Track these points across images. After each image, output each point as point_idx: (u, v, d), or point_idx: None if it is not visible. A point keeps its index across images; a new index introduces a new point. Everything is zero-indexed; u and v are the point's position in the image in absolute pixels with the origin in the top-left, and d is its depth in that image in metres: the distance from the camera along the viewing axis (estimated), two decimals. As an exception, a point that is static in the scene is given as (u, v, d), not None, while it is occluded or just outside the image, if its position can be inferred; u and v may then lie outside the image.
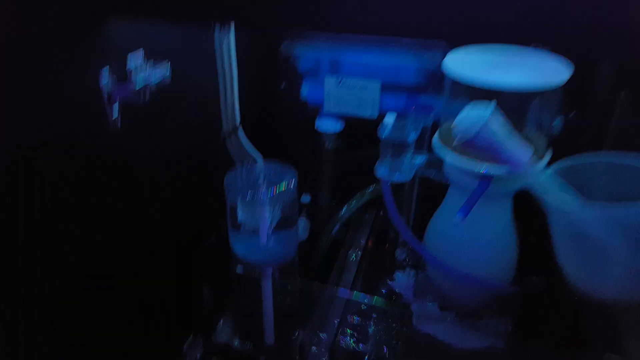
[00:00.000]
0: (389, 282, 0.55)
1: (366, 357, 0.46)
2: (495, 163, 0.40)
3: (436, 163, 0.49)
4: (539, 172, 0.38)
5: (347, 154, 0.63)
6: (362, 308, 0.49)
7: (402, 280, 0.56)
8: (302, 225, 0.67)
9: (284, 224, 0.47)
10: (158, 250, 0.49)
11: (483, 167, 0.41)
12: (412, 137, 0.44)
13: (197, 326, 0.55)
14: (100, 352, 0.44)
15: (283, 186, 0.45)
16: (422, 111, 0.46)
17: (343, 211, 0.58)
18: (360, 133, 0.60)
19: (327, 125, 0.58)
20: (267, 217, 0.44)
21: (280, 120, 0.71)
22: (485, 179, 0.43)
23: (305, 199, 0.71)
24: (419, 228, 0.52)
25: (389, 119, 0.44)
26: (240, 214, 0.45)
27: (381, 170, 0.46)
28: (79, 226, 0.39)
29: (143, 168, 0.45)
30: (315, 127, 0.60)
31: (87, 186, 0.40)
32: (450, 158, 0.43)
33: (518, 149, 0.38)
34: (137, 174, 0.45)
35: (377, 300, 0.49)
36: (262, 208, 0.44)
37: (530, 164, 0.38)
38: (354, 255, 0.60)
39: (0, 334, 0.34)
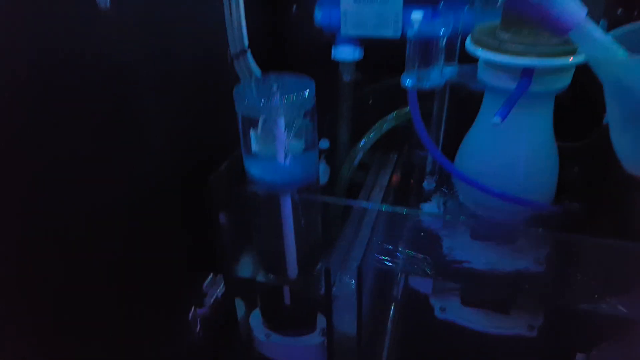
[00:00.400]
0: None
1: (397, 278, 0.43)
2: (542, 26, 0.35)
3: (468, 74, 0.45)
4: (593, 38, 0.33)
5: (368, 88, 0.59)
6: (391, 227, 0.45)
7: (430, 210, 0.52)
8: (322, 169, 0.63)
9: (302, 139, 0.43)
10: (164, 186, 0.45)
11: (524, 60, 0.38)
12: (444, 34, 0.40)
13: (217, 265, 0.52)
14: (112, 299, 0.40)
15: (299, 94, 0.41)
16: (454, 5, 0.43)
17: (365, 140, 0.54)
18: (381, 63, 0.56)
19: (345, 53, 0.55)
20: (284, 127, 0.40)
21: (292, 51, 0.67)
22: (527, 75, 0.39)
23: (324, 144, 0.67)
24: (450, 151, 0.48)
25: (417, 15, 0.41)
26: (254, 130, 0.42)
27: (407, 78, 0.43)
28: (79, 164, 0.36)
29: (143, 88, 0.42)
30: (332, 57, 0.56)
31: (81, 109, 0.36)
32: (487, 55, 0.40)
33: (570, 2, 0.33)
34: (138, 95, 0.41)
35: (408, 211, 0.45)
36: (277, 116, 0.40)
37: (584, 24, 0.33)
38: (377, 192, 0.56)
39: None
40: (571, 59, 0.38)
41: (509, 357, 0.50)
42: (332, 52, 0.56)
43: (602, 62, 0.33)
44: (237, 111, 0.42)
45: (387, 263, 0.45)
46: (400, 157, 0.61)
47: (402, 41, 0.48)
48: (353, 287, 0.46)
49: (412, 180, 0.56)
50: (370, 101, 0.62)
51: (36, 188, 0.32)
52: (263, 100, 0.40)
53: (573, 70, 0.41)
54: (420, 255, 0.46)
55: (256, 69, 0.54)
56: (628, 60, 0.31)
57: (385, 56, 0.53)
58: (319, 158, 0.60)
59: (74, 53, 0.33)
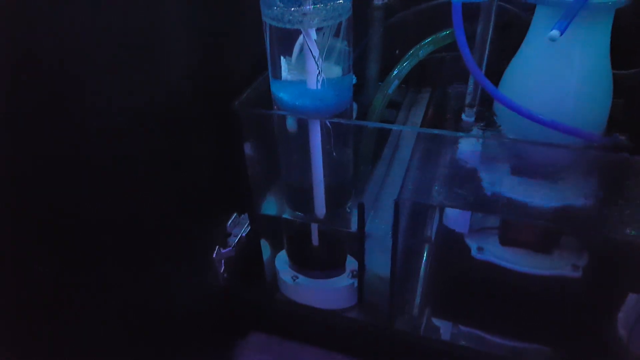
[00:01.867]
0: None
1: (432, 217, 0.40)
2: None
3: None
4: None
5: (401, 13, 0.55)
6: (428, 160, 0.42)
7: (466, 147, 0.48)
8: (349, 106, 0.60)
9: (338, 62, 0.40)
10: (184, 113, 0.41)
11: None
12: None
13: (241, 203, 0.50)
14: (129, 241, 0.38)
15: (334, 2, 0.37)
16: None
17: (399, 68, 0.50)
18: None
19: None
20: (315, 38, 0.37)
21: None
22: (589, -19, 0.35)
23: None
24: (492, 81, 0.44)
25: None
26: (280, 42, 0.38)
27: (452, -11, 0.38)
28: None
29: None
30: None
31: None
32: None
33: None
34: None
35: (448, 132, 0.41)
36: (309, 24, 0.36)
37: None
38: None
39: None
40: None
41: (551, 299, 0.48)
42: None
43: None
44: (264, 21, 0.39)
45: (425, 198, 0.42)
46: (434, 92, 0.57)
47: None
48: (388, 225, 0.44)
49: (448, 115, 0.52)
50: (402, 33, 0.57)
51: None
52: (294, 6, 0.36)
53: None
54: (460, 189, 0.43)
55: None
56: None
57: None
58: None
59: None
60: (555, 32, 0.35)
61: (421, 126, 0.53)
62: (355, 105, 0.61)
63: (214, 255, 0.49)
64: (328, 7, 0.37)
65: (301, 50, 0.40)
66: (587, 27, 0.38)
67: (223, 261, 0.51)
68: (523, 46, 0.43)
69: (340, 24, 0.39)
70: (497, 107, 0.46)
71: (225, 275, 0.51)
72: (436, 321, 0.54)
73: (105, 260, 0.35)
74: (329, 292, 0.53)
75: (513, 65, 0.44)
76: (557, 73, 0.41)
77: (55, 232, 0.31)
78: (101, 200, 0.34)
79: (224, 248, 0.50)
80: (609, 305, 0.47)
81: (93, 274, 0.35)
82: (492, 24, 0.44)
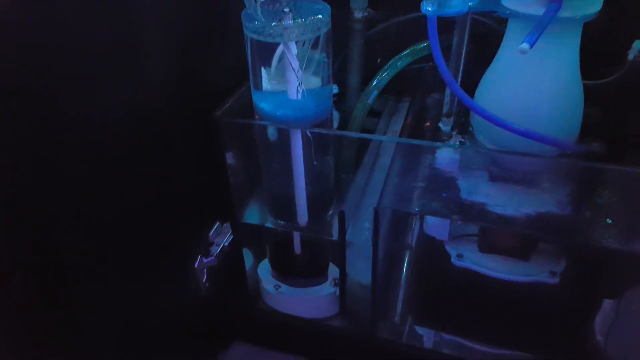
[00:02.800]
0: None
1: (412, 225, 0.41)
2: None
3: (492, 1, 0.42)
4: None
5: (380, 25, 0.56)
6: (408, 169, 0.43)
7: (444, 156, 0.49)
8: (330, 115, 0.61)
9: (317, 73, 0.41)
10: (167, 123, 0.42)
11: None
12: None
13: (223, 211, 0.50)
14: (112, 251, 0.38)
15: (314, 16, 0.38)
16: None
17: (379, 78, 0.51)
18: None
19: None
20: (296, 52, 0.37)
21: None
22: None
23: (333, 89, 0.64)
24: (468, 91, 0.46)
25: None
26: (263, 62, 0.39)
27: (428, 4, 0.39)
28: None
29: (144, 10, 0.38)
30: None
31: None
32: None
33: None
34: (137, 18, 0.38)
35: (426, 142, 0.42)
36: (289, 38, 0.37)
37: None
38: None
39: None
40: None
41: (529, 305, 0.49)
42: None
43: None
44: (246, 34, 0.39)
45: (404, 205, 0.43)
46: (413, 101, 0.58)
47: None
48: (368, 232, 0.44)
49: (427, 124, 0.53)
50: (381, 43, 0.59)
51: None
52: (274, 21, 0.37)
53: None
54: (438, 199, 0.43)
55: None
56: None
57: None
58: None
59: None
60: (525, 45, 0.36)
61: (400, 134, 0.54)
62: (337, 114, 0.62)
63: (196, 265, 0.49)
64: (307, 21, 0.38)
65: (280, 60, 0.41)
66: (557, 40, 0.40)
67: (205, 270, 0.51)
68: (497, 57, 0.45)
69: (319, 37, 0.40)
70: (474, 116, 0.47)
71: (207, 284, 0.51)
72: (419, 329, 0.55)
73: (87, 271, 0.35)
74: (311, 301, 0.54)
75: (488, 75, 0.45)
76: (529, 83, 0.42)
77: (39, 241, 0.31)
78: (82, 210, 0.34)
79: (206, 257, 0.51)
80: (586, 310, 0.48)
81: (75, 284, 0.35)
82: (467, 35, 0.45)
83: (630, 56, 0.50)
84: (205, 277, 0.51)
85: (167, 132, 0.42)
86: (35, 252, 0.31)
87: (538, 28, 0.37)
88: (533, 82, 0.42)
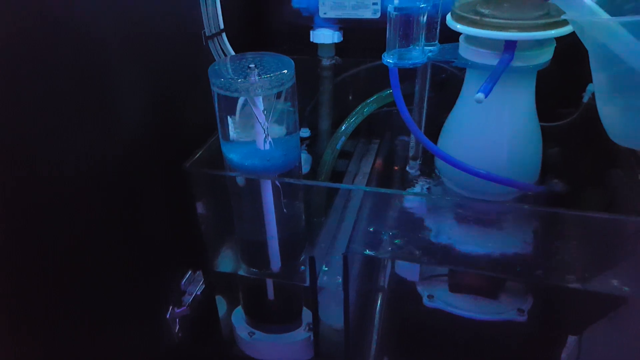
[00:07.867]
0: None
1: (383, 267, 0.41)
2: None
3: (449, 53, 0.44)
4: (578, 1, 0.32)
5: (348, 73, 0.58)
6: (376, 213, 0.44)
7: (412, 201, 0.50)
8: (303, 158, 0.62)
9: (282, 123, 0.42)
10: (138, 175, 0.43)
11: (506, 34, 0.37)
12: (424, 8, 0.39)
13: (196, 260, 0.50)
14: (82, 301, 0.38)
15: (278, 72, 0.39)
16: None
17: (347, 123, 0.52)
18: (362, 47, 0.55)
19: (324, 37, 0.53)
20: (262, 106, 0.38)
21: (269, 35, 0.65)
22: (509, 49, 0.38)
23: (305, 133, 0.66)
24: (432, 137, 0.47)
25: (397, -10, 0.39)
26: (231, 113, 0.40)
27: (389, 56, 0.41)
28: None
29: (116, 65, 0.39)
30: (311, 40, 0.54)
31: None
32: (467, 30, 0.39)
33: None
34: (110, 72, 0.38)
35: (393, 191, 0.43)
36: (255, 94, 0.38)
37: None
38: (361, 179, 0.55)
39: None
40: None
41: (499, 342, 0.49)
42: (311, 35, 0.54)
43: (587, 26, 0.32)
44: (213, 90, 0.40)
45: (373, 250, 0.44)
46: (382, 143, 0.60)
47: (382, 22, 0.46)
48: (339, 277, 0.45)
49: (395, 167, 0.55)
50: (350, 88, 0.60)
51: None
52: (240, 77, 0.38)
53: (554, 45, 0.41)
54: (407, 241, 0.44)
55: (231, 51, 0.52)
56: (613, 22, 0.30)
57: (365, 39, 0.52)
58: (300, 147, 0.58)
59: (45, 26, 0.31)
60: (480, 95, 0.38)
61: (369, 177, 0.55)
62: (309, 157, 0.63)
63: (168, 316, 0.49)
64: (272, 77, 0.39)
65: (243, 106, 0.42)
66: (512, 88, 0.42)
67: (178, 320, 0.51)
68: (457, 103, 0.46)
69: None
70: (438, 159, 0.49)
71: (180, 334, 0.51)
72: (393, 370, 0.55)
73: (55, 323, 0.35)
74: (285, 347, 0.53)
75: (450, 120, 0.47)
76: (489, 128, 0.44)
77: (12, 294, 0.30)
78: (51, 258, 0.34)
79: (179, 307, 0.50)
80: (552, 347, 0.48)
81: (44, 335, 0.34)
82: (428, 82, 0.47)
83: (585, 98, 0.52)
84: (177, 327, 0.50)
85: (138, 183, 0.43)
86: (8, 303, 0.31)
87: (492, 78, 0.39)
88: (492, 127, 0.44)
